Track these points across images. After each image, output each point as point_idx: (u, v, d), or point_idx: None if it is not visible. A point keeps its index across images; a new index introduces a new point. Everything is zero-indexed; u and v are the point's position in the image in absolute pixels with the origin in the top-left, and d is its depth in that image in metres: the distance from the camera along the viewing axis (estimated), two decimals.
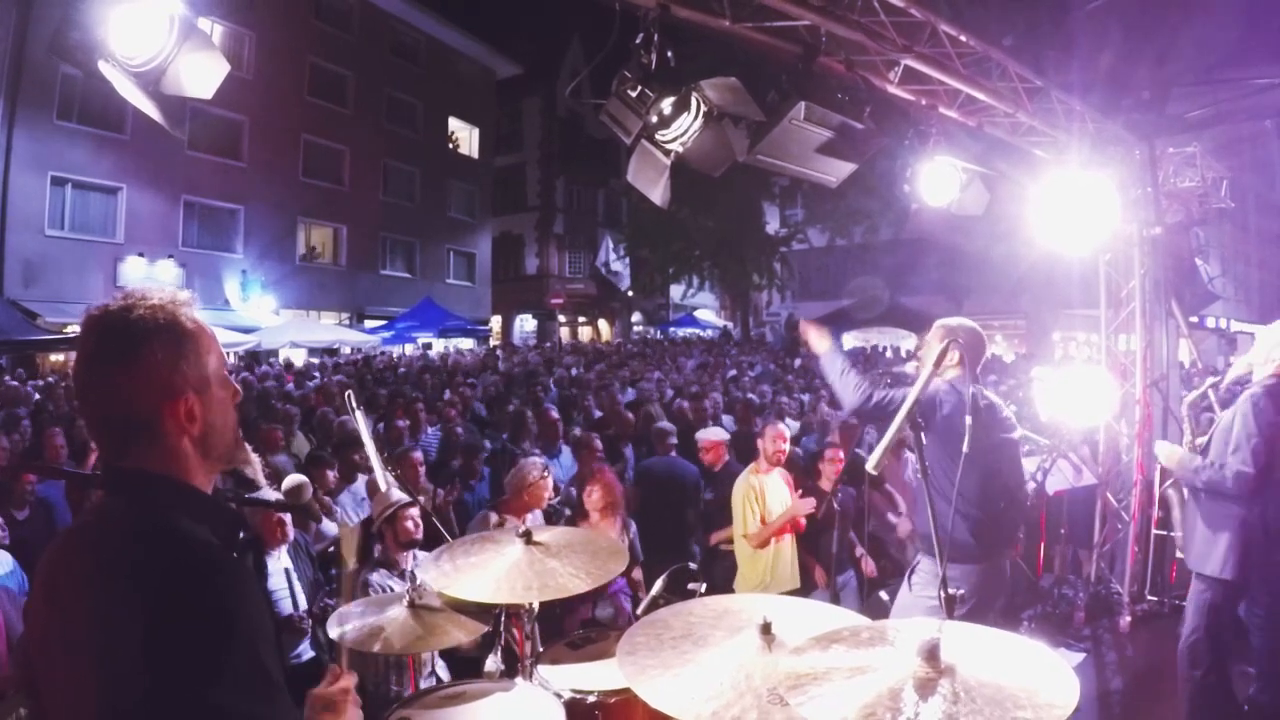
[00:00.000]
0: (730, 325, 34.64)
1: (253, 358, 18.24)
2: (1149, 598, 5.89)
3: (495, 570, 2.41)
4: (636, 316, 38.80)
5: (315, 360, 18.80)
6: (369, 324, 24.80)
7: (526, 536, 2.53)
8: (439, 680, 3.16)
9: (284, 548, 3.95)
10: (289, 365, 16.58)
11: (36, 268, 17.44)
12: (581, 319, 38.31)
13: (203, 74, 2.72)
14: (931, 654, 1.54)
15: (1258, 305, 31.57)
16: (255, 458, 1.36)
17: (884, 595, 4.82)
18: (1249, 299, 31.60)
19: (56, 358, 16.51)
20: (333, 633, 2.47)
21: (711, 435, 6.00)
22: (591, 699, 2.38)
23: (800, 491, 4.98)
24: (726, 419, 8.56)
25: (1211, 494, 3.68)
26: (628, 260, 34.20)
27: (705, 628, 2.05)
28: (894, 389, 3.39)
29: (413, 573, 2.67)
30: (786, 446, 5.06)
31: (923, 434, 2.08)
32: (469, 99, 31.02)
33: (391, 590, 3.24)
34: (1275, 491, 3.50)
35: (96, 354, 1.19)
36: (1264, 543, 3.53)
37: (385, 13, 26.36)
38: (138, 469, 1.19)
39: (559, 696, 2.35)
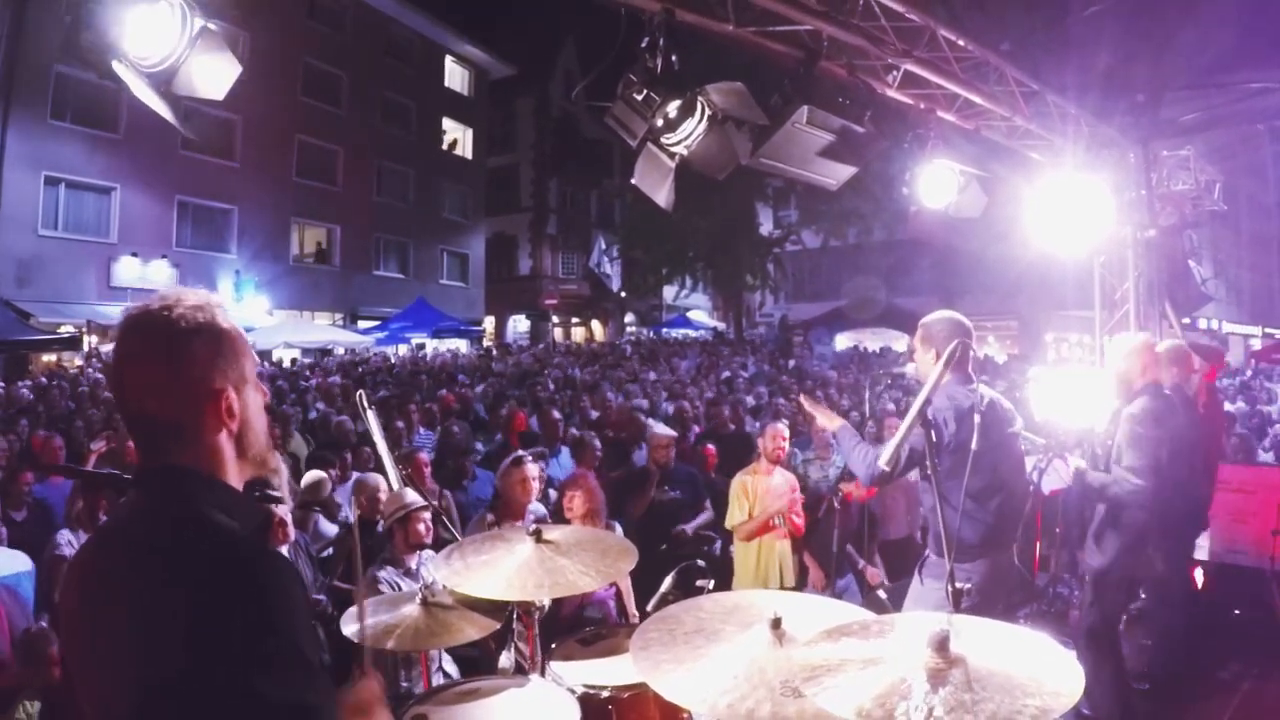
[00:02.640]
0: (723, 326, 34.62)
1: None
2: (1141, 596, 5.94)
3: (506, 568, 2.43)
4: (630, 317, 38.78)
5: (309, 360, 18.72)
6: (362, 324, 24.72)
7: (536, 535, 2.56)
8: (447, 677, 3.18)
9: (284, 548, 3.96)
10: (279, 367, 16.44)
11: (30, 268, 17.35)
12: (575, 320, 38.26)
13: (214, 75, 2.74)
14: (941, 645, 1.59)
15: (1249, 307, 31.86)
16: (283, 468, 1.39)
17: (882, 595, 4.86)
18: (1240, 301, 31.87)
19: (49, 358, 16.41)
20: (347, 631, 2.49)
21: (662, 434, 5.69)
22: (605, 694, 2.41)
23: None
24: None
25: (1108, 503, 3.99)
26: (619, 261, 34.18)
27: (716, 623, 2.08)
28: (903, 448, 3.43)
29: (420, 571, 2.68)
30: (786, 445, 5.06)
31: (932, 433, 2.12)
32: (462, 100, 31.02)
33: (400, 588, 3.26)
34: (1160, 497, 3.77)
35: (139, 354, 1.20)
36: (1155, 544, 3.91)
37: (379, 13, 26.30)
38: (174, 465, 1.20)
39: (572, 692, 2.38)
